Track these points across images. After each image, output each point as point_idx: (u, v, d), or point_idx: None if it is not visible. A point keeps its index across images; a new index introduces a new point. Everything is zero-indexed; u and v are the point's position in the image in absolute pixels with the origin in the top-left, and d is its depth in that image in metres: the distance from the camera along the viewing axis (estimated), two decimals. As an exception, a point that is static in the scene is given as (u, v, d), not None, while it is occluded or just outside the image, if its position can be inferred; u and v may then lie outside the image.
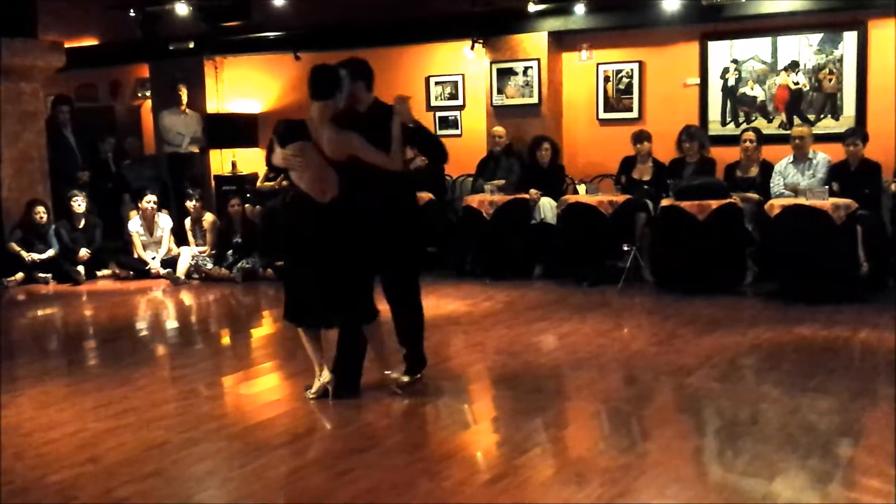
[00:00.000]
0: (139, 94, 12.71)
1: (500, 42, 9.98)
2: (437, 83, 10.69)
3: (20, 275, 9.25)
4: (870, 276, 7.44)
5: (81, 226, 9.74)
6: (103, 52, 12.25)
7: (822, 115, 8.82)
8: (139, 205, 9.80)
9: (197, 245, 9.68)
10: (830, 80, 8.76)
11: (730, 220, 7.71)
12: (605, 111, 9.87)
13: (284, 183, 8.49)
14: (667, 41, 9.47)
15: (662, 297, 7.71)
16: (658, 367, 5.46)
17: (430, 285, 8.12)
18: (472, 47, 10.11)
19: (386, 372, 5.00)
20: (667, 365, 5.49)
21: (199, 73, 11.61)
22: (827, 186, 7.59)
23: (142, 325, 7.64)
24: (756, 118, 9.09)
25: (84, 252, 9.55)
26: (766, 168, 8.27)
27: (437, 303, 7.59)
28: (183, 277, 9.31)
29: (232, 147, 11.48)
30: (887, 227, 7.76)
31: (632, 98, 9.70)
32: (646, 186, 8.67)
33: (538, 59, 9.77)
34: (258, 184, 10.91)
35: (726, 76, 9.21)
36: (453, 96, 10.63)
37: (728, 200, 7.74)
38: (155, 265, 9.52)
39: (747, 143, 8.36)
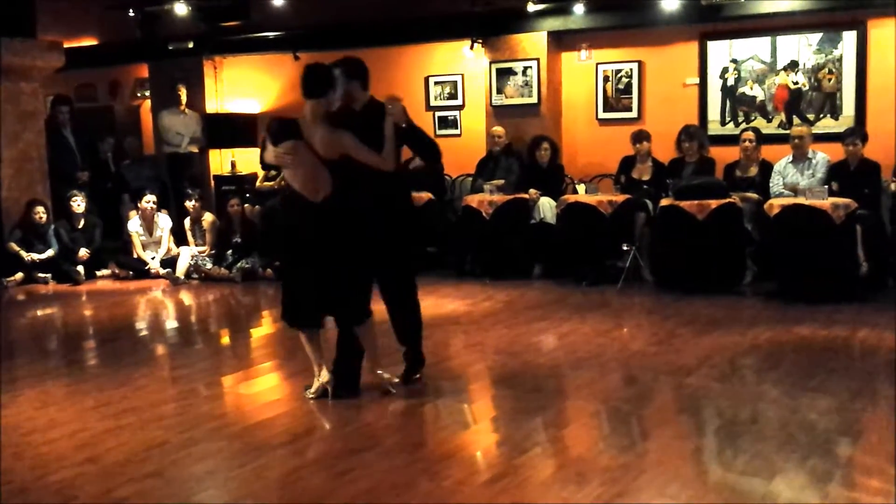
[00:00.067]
0: (138, 94, 12.71)
1: (500, 42, 9.98)
2: (436, 83, 10.69)
3: (20, 275, 9.25)
4: (869, 276, 7.44)
5: (81, 226, 9.74)
6: (102, 52, 12.25)
7: (821, 115, 8.83)
8: (139, 205, 9.80)
9: (196, 245, 9.68)
10: (830, 79, 8.77)
11: (729, 219, 7.72)
12: (604, 111, 9.88)
13: (283, 182, 8.47)
14: (666, 41, 9.47)
15: (662, 296, 7.71)
16: (657, 366, 5.46)
17: (430, 285, 8.14)
18: (472, 47, 10.12)
19: (378, 371, 4.99)
20: (666, 365, 5.49)
21: (198, 73, 11.61)
22: (826, 186, 7.59)
23: (141, 325, 7.64)
24: (755, 118, 9.10)
25: (83, 252, 9.55)
26: (766, 168, 8.28)
27: (437, 303, 7.59)
28: (182, 277, 9.31)
29: (231, 147, 11.48)
30: (887, 227, 7.76)
31: (631, 98, 9.71)
32: (645, 186, 8.67)
33: (537, 59, 9.78)
34: (257, 184, 10.92)
35: (726, 76, 9.21)
36: (452, 96, 10.63)
37: (727, 200, 7.74)
38: (154, 265, 9.52)
39: (747, 143, 8.36)
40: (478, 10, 9.56)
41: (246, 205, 9.79)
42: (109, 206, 10.67)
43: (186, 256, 9.45)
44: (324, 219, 4.67)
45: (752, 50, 9.09)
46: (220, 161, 11.69)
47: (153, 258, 9.59)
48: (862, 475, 3.76)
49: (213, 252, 9.55)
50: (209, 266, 9.38)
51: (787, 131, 8.42)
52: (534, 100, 9.83)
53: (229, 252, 9.45)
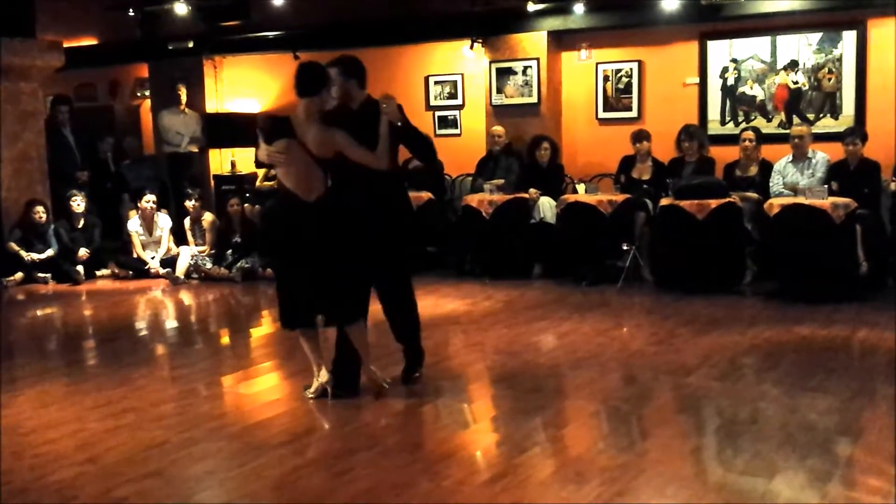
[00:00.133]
0: (138, 94, 12.71)
1: (500, 41, 9.98)
2: (436, 83, 10.69)
3: (19, 275, 9.25)
4: (869, 276, 7.44)
5: (81, 225, 9.74)
6: (102, 52, 12.24)
7: (821, 115, 8.83)
8: (138, 204, 9.80)
9: (196, 245, 9.68)
10: (830, 79, 8.76)
11: (729, 219, 7.72)
12: (604, 110, 9.88)
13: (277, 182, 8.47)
14: (666, 40, 9.47)
15: (662, 296, 7.70)
16: (657, 366, 5.46)
17: (430, 285, 8.14)
18: (472, 47, 10.11)
19: (371, 367, 4.97)
20: (666, 364, 5.49)
21: (198, 73, 11.61)
22: (826, 186, 7.59)
23: (141, 325, 7.63)
24: (755, 117, 9.10)
25: (83, 252, 9.54)
26: (766, 167, 8.28)
27: (437, 302, 7.58)
28: (182, 277, 9.31)
29: (231, 147, 11.48)
30: (886, 227, 7.76)
31: (631, 97, 9.71)
32: (645, 186, 8.67)
33: (537, 59, 9.77)
34: (257, 183, 10.92)
35: (725, 75, 9.21)
36: (452, 96, 10.63)
37: (727, 200, 7.74)
38: (154, 265, 9.51)
39: (746, 143, 8.36)
40: (478, 10, 9.56)
41: (246, 204, 9.79)
42: (109, 206, 10.66)
43: (186, 256, 9.44)
44: (317, 218, 4.65)
45: (751, 49, 9.09)
46: (220, 161, 11.68)
47: (153, 258, 9.59)
48: (861, 475, 3.76)
49: (212, 252, 9.55)
50: (209, 266, 9.38)
51: (787, 131, 8.42)
52: (534, 99, 9.83)
53: (229, 252, 9.45)
